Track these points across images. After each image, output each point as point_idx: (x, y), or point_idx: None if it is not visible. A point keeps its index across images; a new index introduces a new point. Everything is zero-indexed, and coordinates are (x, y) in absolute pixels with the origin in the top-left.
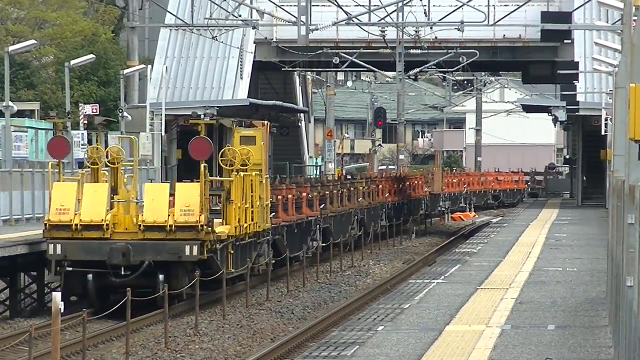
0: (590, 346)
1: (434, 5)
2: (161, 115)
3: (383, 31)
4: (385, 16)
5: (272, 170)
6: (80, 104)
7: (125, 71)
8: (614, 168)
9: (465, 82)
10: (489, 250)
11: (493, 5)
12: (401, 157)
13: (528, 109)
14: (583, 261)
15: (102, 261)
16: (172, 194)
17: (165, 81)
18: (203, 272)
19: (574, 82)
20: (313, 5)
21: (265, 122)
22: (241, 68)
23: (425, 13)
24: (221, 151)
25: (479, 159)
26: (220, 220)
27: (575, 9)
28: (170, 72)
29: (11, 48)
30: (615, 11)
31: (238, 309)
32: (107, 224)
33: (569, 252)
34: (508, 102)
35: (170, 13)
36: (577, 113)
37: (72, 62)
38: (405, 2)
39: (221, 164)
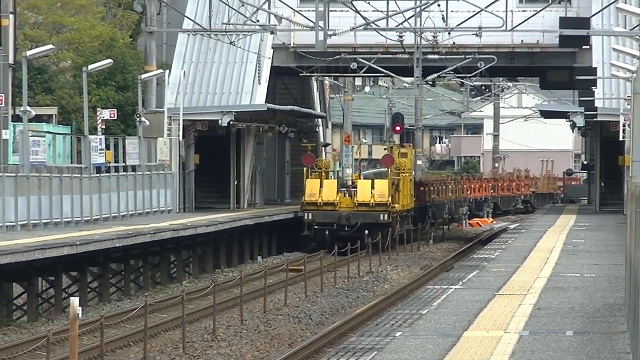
0: (608, 352)
1: (451, 11)
2: (179, 120)
3: (401, 36)
4: (403, 21)
5: (290, 176)
6: (98, 109)
7: (143, 76)
8: (633, 174)
9: (483, 87)
10: (506, 256)
11: (511, 10)
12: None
13: (546, 114)
14: (601, 267)
15: (334, 223)
16: (372, 186)
17: (182, 86)
18: (387, 230)
19: (592, 87)
20: (331, 11)
21: (411, 144)
22: (259, 73)
23: (443, 18)
24: (395, 162)
25: (496, 164)
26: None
27: (593, 15)
28: (188, 77)
29: (29, 53)
30: (633, 17)
31: (256, 314)
32: (336, 202)
33: (587, 258)
34: (526, 107)
35: (188, 18)
36: (595, 119)
37: (90, 66)
38: (423, 7)
39: (394, 169)
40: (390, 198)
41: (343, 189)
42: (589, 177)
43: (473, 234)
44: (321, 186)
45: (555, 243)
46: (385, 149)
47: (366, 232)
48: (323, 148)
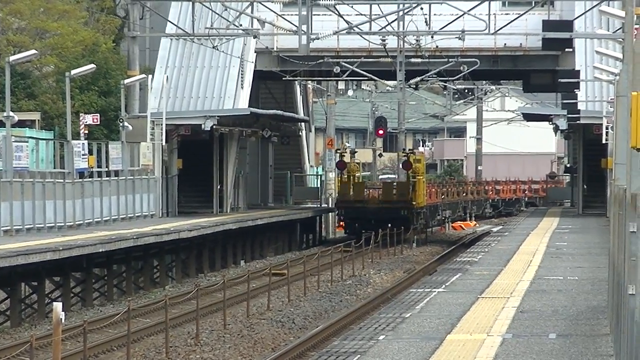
0: (591, 355)
1: (434, 14)
2: (162, 125)
3: (384, 40)
4: (386, 25)
5: (272, 180)
6: (81, 114)
7: (126, 81)
8: (615, 176)
9: (466, 90)
10: (489, 259)
11: (494, 14)
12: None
13: (529, 117)
14: (584, 270)
15: (363, 217)
16: (394, 187)
17: (166, 91)
18: (406, 223)
19: (575, 90)
20: (314, 15)
21: (424, 151)
22: (242, 77)
23: (426, 22)
24: (411, 167)
25: (479, 167)
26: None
27: (576, 18)
28: (171, 82)
29: (12, 58)
30: (616, 20)
31: (239, 318)
32: (365, 199)
33: (570, 260)
34: (509, 110)
35: (171, 22)
36: (578, 122)
37: (73, 72)
38: (406, 11)
39: (410, 174)
40: (408, 197)
41: (371, 189)
42: (572, 180)
43: (456, 237)
44: (352, 186)
45: (538, 246)
46: (404, 155)
47: (389, 225)
48: (306, 150)
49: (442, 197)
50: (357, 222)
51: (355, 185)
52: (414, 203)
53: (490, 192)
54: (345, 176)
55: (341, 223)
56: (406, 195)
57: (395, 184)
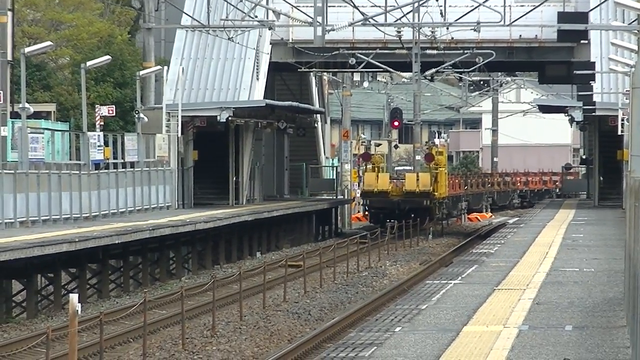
0: (608, 346)
1: (450, 6)
2: (177, 116)
3: (399, 32)
4: (402, 17)
5: (288, 172)
6: (96, 106)
7: (142, 72)
8: (631, 168)
9: (482, 82)
10: (505, 251)
11: (509, 5)
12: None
13: (544, 109)
14: (600, 261)
15: (387, 207)
16: (417, 178)
17: (181, 82)
18: (428, 213)
19: (591, 82)
20: (329, 6)
21: (445, 144)
22: (257, 69)
23: (441, 13)
24: (433, 159)
25: (495, 159)
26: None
27: (591, 9)
28: (187, 74)
29: (27, 50)
30: (631, 11)
31: (255, 310)
32: (388, 190)
33: (586, 252)
34: (524, 102)
35: (186, 14)
36: (593, 113)
37: (88, 63)
38: (421, 2)
39: (432, 166)
40: (431, 188)
41: (394, 180)
42: (587, 172)
43: (472, 229)
44: (376, 178)
45: (554, 237)
46: (427, 148)
47: (412, 215)
48: (322, 141)
49: (465, 188)
50: (381, 212)
51: (379, 177)
52: (435, 194)
53: (519, 183)
54: (370, 167)
55: (366, 213)
56: (429, 186)
57: (418, 175)
